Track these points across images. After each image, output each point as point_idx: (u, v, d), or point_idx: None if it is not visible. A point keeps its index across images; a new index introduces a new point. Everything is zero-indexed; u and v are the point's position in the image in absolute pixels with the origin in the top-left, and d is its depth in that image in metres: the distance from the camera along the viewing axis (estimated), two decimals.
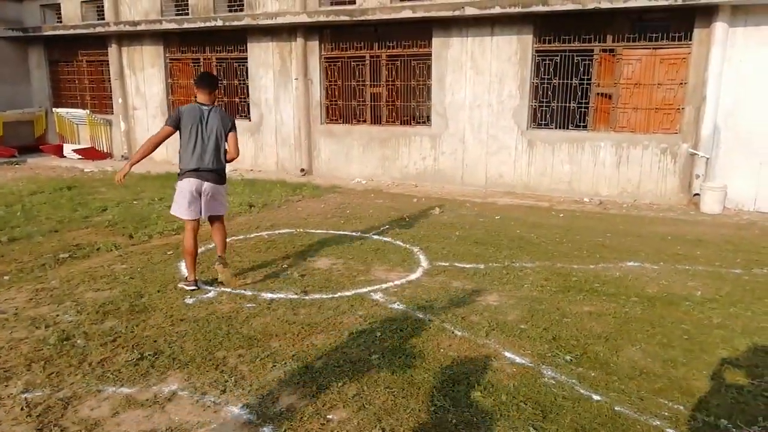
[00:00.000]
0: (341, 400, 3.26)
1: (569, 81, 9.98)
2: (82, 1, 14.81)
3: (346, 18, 11.05)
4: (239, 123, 12.65)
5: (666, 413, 3.17)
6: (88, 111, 14.99)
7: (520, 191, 10.53)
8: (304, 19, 11.42)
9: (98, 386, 3.40)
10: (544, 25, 10.08)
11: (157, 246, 6.50)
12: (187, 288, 5.01)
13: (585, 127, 10.14)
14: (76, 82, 15.70)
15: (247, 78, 12.92)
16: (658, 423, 3.07)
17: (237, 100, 13.34)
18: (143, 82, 14.37)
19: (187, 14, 13.20)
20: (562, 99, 10.18)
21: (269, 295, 4.93)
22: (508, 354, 3.86)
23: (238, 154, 5.11)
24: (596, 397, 3.32)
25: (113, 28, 13.82)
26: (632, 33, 9.62)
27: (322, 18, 11.24)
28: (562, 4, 9.23)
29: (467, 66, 10.67)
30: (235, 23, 12.20)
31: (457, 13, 10.08)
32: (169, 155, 12.58)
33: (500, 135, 10.60)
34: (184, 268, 5.41)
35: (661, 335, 4.22)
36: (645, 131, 9.68)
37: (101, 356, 3.78)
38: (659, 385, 3.49)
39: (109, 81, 14.90)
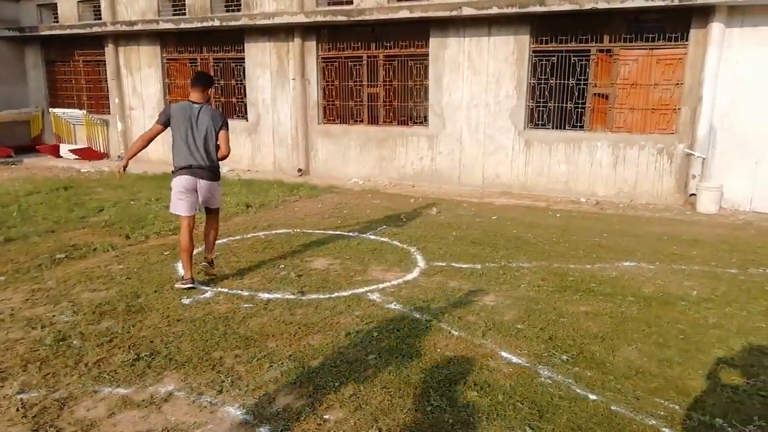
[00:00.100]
0: (338, 400, 3.26)
1: (566, 81, 10.00)
2: (78, 1, 14.78)
3: (344, 18, 11.05)
4: (236, 123, 12.78)
5: (662, 412, 3.18)
6: (84, 111, 14.96)
7: (517, 191, 10.54)
8: (301, 19, 11.42)
9: (94, 387, 3.39)
10: (541, 26, 10.10)
11: (154, 246, 6.49)
12: (183, 286, 5.01)
13: (582, 127, 10.15)
14: (73, 82, 15.67)
15: (245, 78, 12.91)
16: (654, 422, 3.08)
17: (234, 100, 13.33)
18: (140, 82, 14.35)
19: (184, 14, 13.18)
20: (559, 99, 10.20)
21: (266, 296, 4.93)
22: (504, 354, 3.87)
23: (229, 152, 5.18)
24: (592, 397, 3.33)
25: (110, 28, 13.80)
26: (629, 33, 9.64)
27: (320, 18, 11.24)
28: (559, 5, 9.25)
29: (464, 66, 10.68)
30: (233, 23, 12.19)
31: (454, 13, 10.09)
32: (166, 155, 12.52)
33: (497, 135, 10.61)
34: (180, 268, 5.41)
35: (657, 335, 4.23)
36: (641, 131, 9.70)
37: (97, 357, 3.77)
38: (655, 384, 3.50)
39: (106, 81, 14.88)
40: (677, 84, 9.32)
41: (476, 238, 7.06)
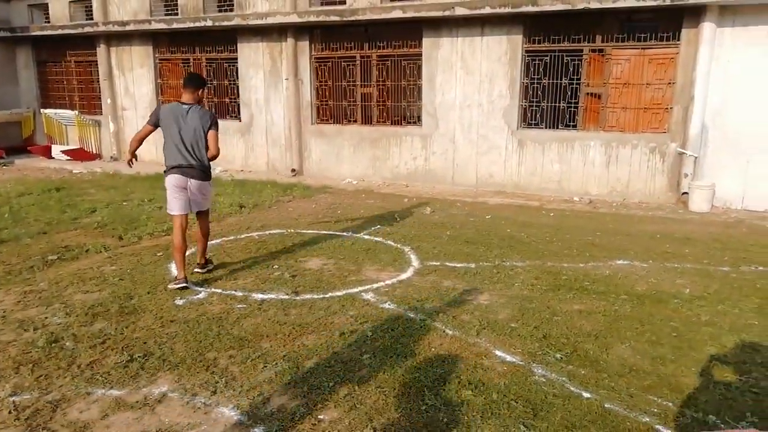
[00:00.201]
0: (332, 400, 3.26)
1: (559, 81, 10.03)
2: (70, 1, 14.69)
3: (337, 18, 11.04)
4: (230, 123, 12.76)
5: (655, 410, 3.20)
6: (76, 112, 14.87)
7: (510, 191, 10.57)
8: (294, 19, 11.40)
9: (87, 389, 3.38)
10: (534, 26, 10.12)
11: (147, 247, 6.46)
12: (176, 286, 5.01)
13: (575, 126, 10.19)
14: (65, 82, 15.58)
15: (237, 78, 12.87)
16: (648, 420, 3.10)
17: (227, 100, 13.29)
18: (132, 83, 14.28)
19: (177, 14, 13.13)
20: (552, 99, 10.23)
21: (260, 296, 4.92)
22: (498, 353, 3.88)
23: (217, 152, 5.20)
24: (586, 395, 3.34)
25: (102, 28, 13.73)
26: (621, 33, 9.69)
27: (313, 18, 11.22)
28: (551, 5, 9.28)
29: (457, 66, 10.70)
30: (225, 23, 12.15)
31: (447, 13, 10.10)
32: (158, 156, 12.47)
33: (490, 135, 10.63)
34: (174, 269, 5.40)
35: (650, 333, 4.25)
36: (634, 131, 9.75)
37: (90, 358, 3.75)
38: (648, 382, 3.52)
39: (98, 81, 14.80)
40: (669, 83, 9.37)
41: (470, 237, 7.07)
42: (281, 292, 5.01)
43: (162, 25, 12.89)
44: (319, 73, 12.11)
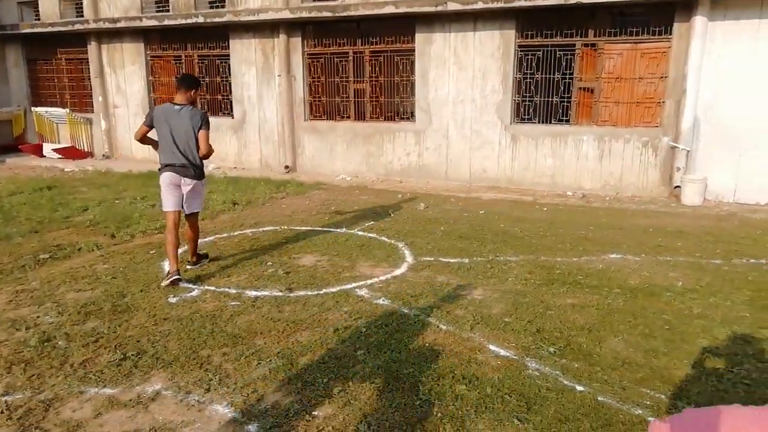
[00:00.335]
0: (326, 396, 3.25)
1: (552, 75, 10.05)
2: None
3: (329, 14, 11.00)
4: (222, 120, 12.72)
5: (648, 402, 3.21)
6: (67, 110, 14.78)
7: (503, 186, 10.59)
8: (286, 15, 11.36)
9: (80, 387, 3.36)
10: (527, 20, 10.12)
11: (140, 245, 6.43)
12: (169, 280, 5.03)
13: (567, 121, 10.21)
14: (55, 80, 15.47)
15: (230, 75, 12.82)
16: (641, 412, 3.12)
17: (220, 97, 13.23)
18: (124, 80, 14.19)
19: (168, 11, 13.04)
20: (545, 93, 10.24)
21: (254, 293, 4.91)
22: (492, 347, 3.89)
23: (207, 151, 5.24)
24: (579, 388, 3.36)
25: (92, 26, 13.63)
26: (613, 27, 9.71)
27: (305, 14, 11.18)
28: None
29: (450, 61, 10.69)
30: (217, 20, 12.09)
31: (439, 8, 10.09)
32: (151, 154, 12.38)
33: (484, 130, 10.64)
34: (167, 266, 5.39)
35: (642, 326, 4.27)
36: (626, 125, 9.78)
37: (83, 357, 3.73)
38: (641, 374, 3.54)
39: (89, 79, 14.70)
40: (661, 77, 9.40)
41: (464, 232, 7.08)
42: (275, 289, 5.00)
43: (153, 22, 12.81)
44: (312, 69, 12.07)
